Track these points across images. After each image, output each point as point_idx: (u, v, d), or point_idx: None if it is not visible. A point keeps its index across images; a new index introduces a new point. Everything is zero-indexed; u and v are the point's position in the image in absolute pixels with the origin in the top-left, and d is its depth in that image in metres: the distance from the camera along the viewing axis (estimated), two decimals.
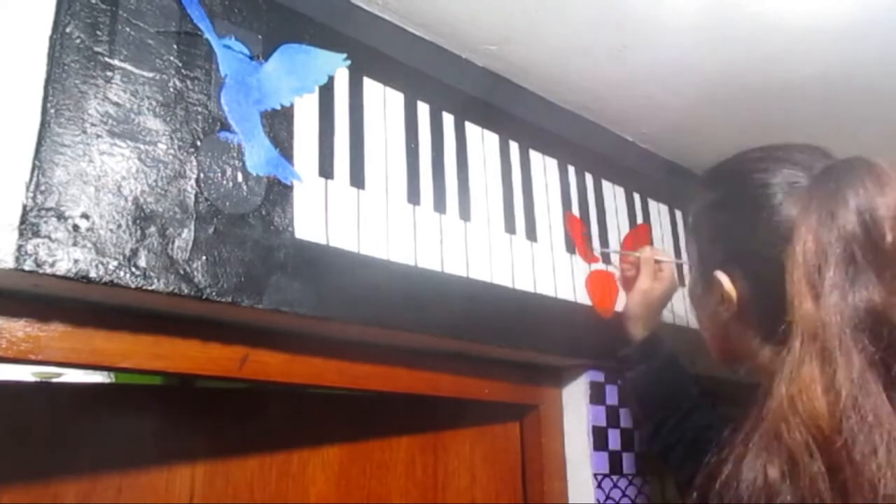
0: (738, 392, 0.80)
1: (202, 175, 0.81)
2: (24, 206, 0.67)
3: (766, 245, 0.76)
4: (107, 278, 0.71)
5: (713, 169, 0.92)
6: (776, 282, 0.72)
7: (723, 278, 0.81)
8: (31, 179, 0.68)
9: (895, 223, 0.68)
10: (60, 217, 0.69)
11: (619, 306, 1.31)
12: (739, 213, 0.82)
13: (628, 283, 1.25)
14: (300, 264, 0.87)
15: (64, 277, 0.68)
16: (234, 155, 0.84)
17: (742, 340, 0.82)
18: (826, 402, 0.63)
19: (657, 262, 1.22)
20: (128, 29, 0.79)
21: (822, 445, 0.62)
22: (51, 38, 0.73)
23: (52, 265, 0.67)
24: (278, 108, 0.91)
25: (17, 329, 0.73)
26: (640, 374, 1.16)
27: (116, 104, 0.76)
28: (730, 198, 0.85)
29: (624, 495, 1.26)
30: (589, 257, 1.29)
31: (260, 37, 0.91)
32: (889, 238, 0.68)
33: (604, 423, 1.28)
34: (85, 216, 0.71)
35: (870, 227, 0.68)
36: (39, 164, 0.69)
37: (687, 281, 1.08)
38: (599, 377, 1.30)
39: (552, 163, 1.30)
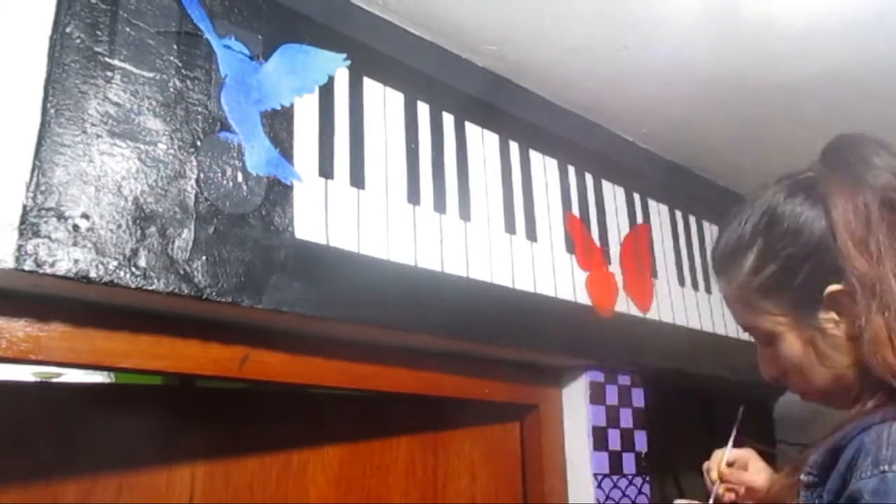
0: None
1: (202, 175, 0.81)
2: (24, 206, 0.67)
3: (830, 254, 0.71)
4: (107, 278, 0.70)
5: (726, 240, 0.82)
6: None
7: (831, 303, 0.72)
8: (31, 179, 0.68)
9: None
10: (60, 217, 0.69)
11: (619, 306, 1.31)
12: (792, 251, 0.75)
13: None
14: (300, 264, 0.87)
15: (64, 277, 0.68)
16: (234, 155, 0.84)
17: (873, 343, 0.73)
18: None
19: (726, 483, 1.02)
20: (128, 29, 0.79)
21: None
22: (51, 38, 0.73)
23: (52, 265, 0.67)
24: (278, 108, 0.91)
25: (17, 329, 0.73)
26: None
27: (116, 104, 0.76)
28: (774, 244, 0.76)
29: (624, 495, 1.26)
30: (586, 263, 1.28)
31: (260, 37, 0.91)
32: None
33: (604, 423, 1.28)
34: (85, 216, 0.71)
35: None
36: (39, 164, 0.69)
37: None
38: (599, 377, 1.29)
39: (552, 163, 1.30)
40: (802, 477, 0.70)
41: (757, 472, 1.01)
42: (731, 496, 1.03)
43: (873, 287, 0.66)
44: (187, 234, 0.78)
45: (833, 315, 0.71)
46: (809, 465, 0.70)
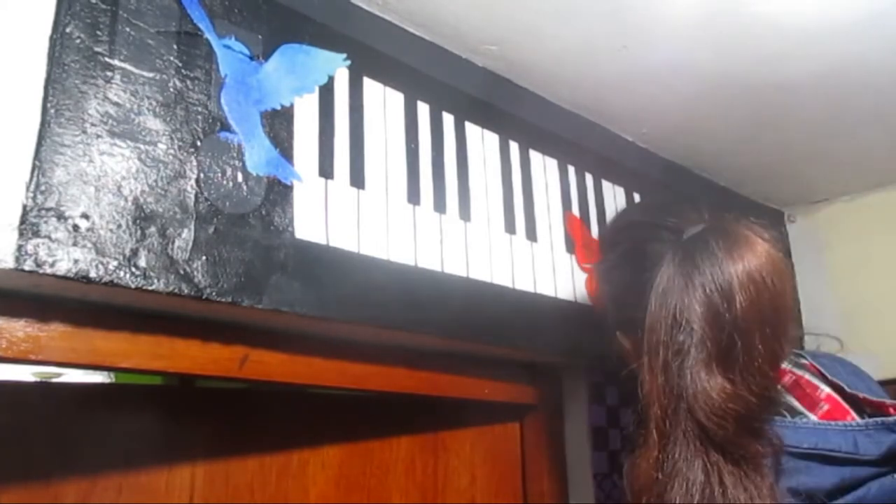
0: None
1: (202, 175, 0.81)
2: (24, 206, 0.67)
3: (641, 305, 0.80)
4: (107, 278, 0.70)
5: (610, 228, 0.99)
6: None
7: (621, 339, 0.90)
8: (31, 179, 0.68)
9: (744, 289, 0.73)
10: (60, 217, 0.69)
11: None
12: (625, 279, 0.88)
13: None
14: (300, 264, 0.87)
15: (64, 277, 0.68)
16: (234, 155, 0.84)
17: None
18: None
19: None
20: (128, 29, 0.79)
21: None
22: (51, 38, 0.73)
23: (52, 265, 0.67)
24: (278, 108, 0.91)
25: (17, 329, 0.73)
26: None
27: (116, 104, 0.76)
28: (621, 261, 0.91)
29: (624, 495, 1.26)
30: (587, 261, 1.28)
31: (260, 37, 0.91)
32: (738, 301, 0.73)
33: (604, 423, 1.28)
34: (85, 216, 0.71)
35: (724, 294, 0.73)
36: (39, 164, 0.69)
37: None
38: (599, 377, 1.29)
39: (552, 163, 1.30)
40: None
41: None
42: None
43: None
44: (187, 234, 0.78)
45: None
46: None
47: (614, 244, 0.94)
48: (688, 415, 0.71)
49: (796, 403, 0.79)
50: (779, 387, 0.79)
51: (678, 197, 0.99)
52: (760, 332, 0.73)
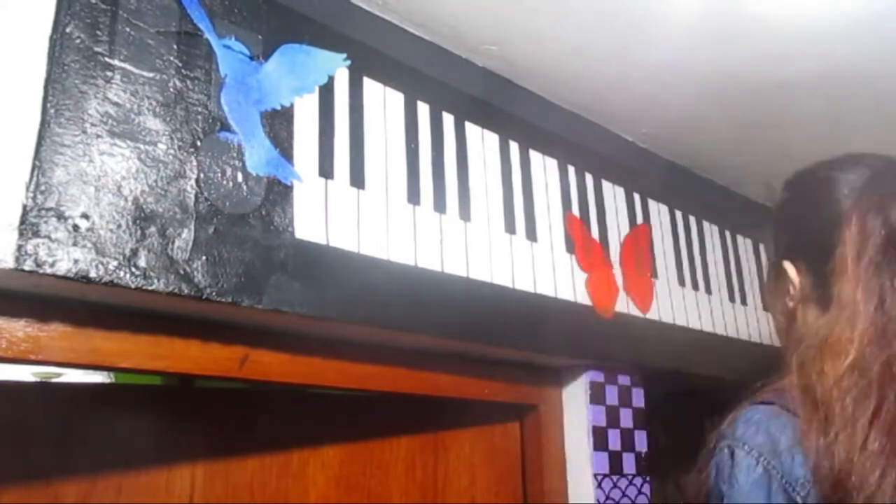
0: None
1: (202, 175, 0.81)
2: (24, 206, 0.67)
3: (826, 235, 0.78)
4: (107, 278, 0.71)
5: (794, 173, 0.96)
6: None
7: (788, 267, 0.84)
8: (31, 179, 0.68)
9: None
10: (60, 217, 0.69)
11: (619, 306, 1.31)
12: (806, 207, 0.86)
13: None
14: (300, 264, 0.87)
15: (64, 277, 0.68)
16: (234, 155, 0.84)
17: (805, 327, 0.83)
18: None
19: None
20: (128, 29, 0.79)
21: None
22: (51, 38, 0.73)
23: (52, 265, 0.67)
24: (278, 108, 0.91)
25: (17, 329, 0.73)
26: None
27: (116, 104, 0.76)
28: (800, 194, 0.89)
29: (624, 495, 1.26)
30: (586, 264, 1.28)
31: (260, 37, 0.91)
32: None
33: (604, 423, 1.28)
34: (85, 216, 0.71)
35: None
36: (39, 164, 0.69)
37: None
38: (599, 377, 1.29)
39: (552, 163, 1.30)
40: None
41: None
42: None
43: (849, 305, 0.70)
44: (187, 234, 0.78)
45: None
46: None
47: (792, 182, 0.92)
48: None
49: None
50: None
51: None
52: None
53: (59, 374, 1.14)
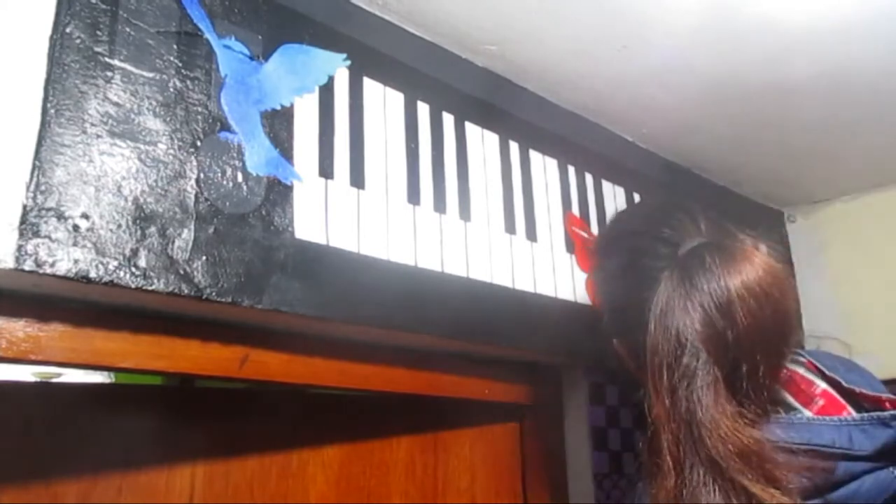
0: None
1: (202, 175, 0.81)
2: (24, 206, 0.67)
3: (640, 324, 0.79)
4: (107, 278, 0.71)
5: (606, 235, 0.99)
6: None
7: (618, 347, 0.90)
8: (31, 179, 0.68)
9: (744, 304, 0.72)
10: (60, 217, 0.69)
11: None
12: (622, 293, 0.87)
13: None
14: (300, 264, 0.87)
15: (64, 277, 0.68)
16: (234, 155, 0.84)
17: None
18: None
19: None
20: (128, 29, 0.79)
21: None
22: (51, 38, 0.73)
23: (52, 265, 0.67)
24: (278, 108, 0.91)
25: (17, 329, 0.73)
26: None
27: (116, 104, 0.76)
28: (618, 273, 0.90)
29: (624, 495, 1.26)
30: (586, 264, 1.28)
31: (260, 37, 0.91)
32: (739, 317, 0.72)
33: (604, 423, 1.28)
34: (85, 216, 0.71)
35: (723, 311, 0.72)
36: (39, 164, 0.69)
37: None
38: (599, 377, 1.29)
39: (552, 163, 1.30)
40: None
41: None
42: None
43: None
44: (187, 234, 0.78)
45: None
46: None
47: (609, 253, 0.93)
48: (700, 442, 0.69)
49: (791, 399, 0.78)
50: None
51: (675, 200, 0.97)
52: (765, 346, 0.72)
53: (59, 374, 1.15)
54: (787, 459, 0.68)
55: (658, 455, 0.72)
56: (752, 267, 0.74)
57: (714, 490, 0.67)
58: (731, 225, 0.83)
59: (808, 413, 0.77)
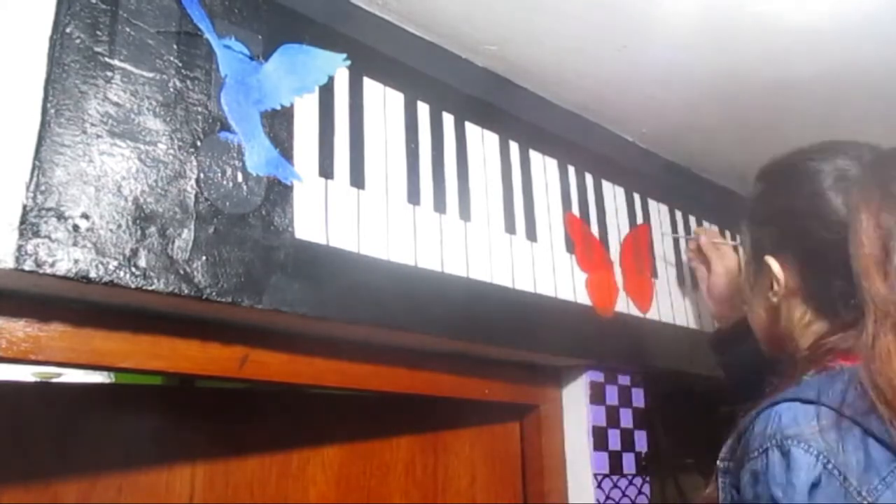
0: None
1: (202, 175, 0.81)
2: (24, 206, 0.67)
3: (815, 229, 0.78)
4: (107, 278, 0.71)
5: (768, 162, 0.95)
6: (827, 263, 0.75)
7: (772, 263, 0.83)
8: (31, 179, 0.68)
9: None
10: (60, 217, 0.69)
11: (619, 306, 1.31)
12: (789, 199, 0.84)
13: (699, 274, 1.33)
14: (300, 264, 0.87)
15: (64, 277, 0.68)
16: (234, 155, 0.84)
17: (790, 323, 0.82)
18: None
19: (716, 244, 1.29)
20: (128, 29, 0.79)
21: None
22: (51, 38, 0.73)
23: (52, 265, 0.67)
24: (278, 108, 0.91)
25: (17, 329, 0.73)
26: (737, 355, 1.13)
27: (116, 104, 0.76)
28: (781, 186, 0.88)
29: (624, 495, 1.26)
30: (586, 264, 1.28)
31: (260, 37, 0.91)
32: None
33: (604, 423, 1.28)
34: (85, 216, 0.71)
35: None
36: (39, 164, 0.69)
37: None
38: (599, 377, 1.30)
39: (552, 163, 1.30)
40: (718, 463, 0.75)
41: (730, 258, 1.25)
42: (699, 267, 1.32)
43: (886, 309, 0.68)
44: (187, 234, 0.78)
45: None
46: (724, 451, 0.74)
47: (771, 172, 0.92)
48: None
49: None
50: None
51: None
52: None
53: (59, 374, 1.15)
54: None
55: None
56: None
57: None
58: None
59: None
